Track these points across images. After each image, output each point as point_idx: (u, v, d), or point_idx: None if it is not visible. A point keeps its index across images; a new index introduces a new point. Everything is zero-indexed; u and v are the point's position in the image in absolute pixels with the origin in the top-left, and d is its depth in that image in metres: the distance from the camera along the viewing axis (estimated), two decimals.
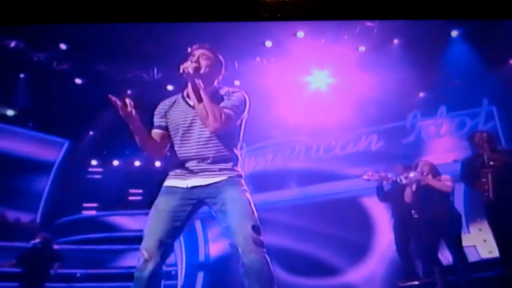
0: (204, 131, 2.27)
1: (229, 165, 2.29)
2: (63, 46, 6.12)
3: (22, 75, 6.72)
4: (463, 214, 5.42)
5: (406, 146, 6.60)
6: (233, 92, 2.36)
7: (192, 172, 2.26)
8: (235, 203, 2.21)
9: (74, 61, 6.45)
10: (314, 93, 6.64)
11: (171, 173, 2.33)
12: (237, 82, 6.10)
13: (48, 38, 5.98)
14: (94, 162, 8.52)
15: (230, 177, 2.26)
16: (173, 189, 2.29)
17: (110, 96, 2.16)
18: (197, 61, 2.31)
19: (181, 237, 6.04)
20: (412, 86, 6.61)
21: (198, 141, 2.28)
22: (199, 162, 2.27)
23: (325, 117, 6.50)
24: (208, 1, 2.65)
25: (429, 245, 4.37)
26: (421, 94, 6.98)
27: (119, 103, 2.17)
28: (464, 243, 4.38)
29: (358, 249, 6.04)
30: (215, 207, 2.24)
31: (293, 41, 5.80)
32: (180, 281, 6.55)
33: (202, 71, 2.29)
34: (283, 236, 5.86)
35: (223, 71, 2.42)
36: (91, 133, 8.07)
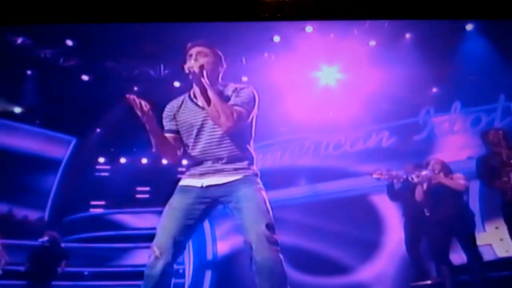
0: (215, 131, 2.29)
1: (244, 164, 2.31)
2: (69, 43, 6.21)
3: (29, 72, 6.83)
4: (479, 212, 5.41)
5: (419, 143, 6.58)
6: (241, 89, 2.36)
7: (207, 172, 2.29)
8: (250, 201, 2.23)
9: (81, 57, 6.54)
10: (323, 89, 6.64)
11: (187, 173, 2.36)
12: (244, 78, 6.13)
13: (55, 35, 6.06)
14: (101, 160, 8.63)
15: (245, 175, 2.29)
16: (188, 188, 2.31)
17: (128, 95, 2.19)
18: (196, 59, 2.32)
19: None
20: (425, 82, 6.56)
21: (211, 142, 2.31)
22: (214, 162, 2.30)
23: (335, 113, 6.49)
24: (207, 1, 2.67)
25: (440, 244, 4.38)
26: (434, 90, 6.93)
27: (137, 101, 2.20)
28: (480, 242, 4.38)
29: (369, 247, 6.06)
30: (230, 204, 2.27)
31: (302, 36, 5.80)
32: (188, 279, 6.63)
33: (204, 66, 2.29)
34: (292, 234, 5.90)
35: (224, 65, 2.43)
36: (98, 130, 8.18)
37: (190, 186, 2.31)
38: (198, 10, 2.70)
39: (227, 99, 2.32)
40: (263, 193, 2.28)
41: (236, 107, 2.27)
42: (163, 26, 5.11)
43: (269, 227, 2.16)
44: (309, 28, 5.78)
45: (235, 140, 2.29)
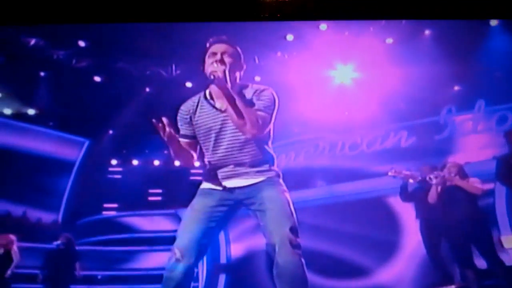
0: (237, 136, 2.33)
1: (266, 166, 2.35)
2: (81, 44, 6.41)
3: (42, 74, 7.09)
4: (507, 214, 5.40)
5: (440, 142, 6.58)
6: (261, 91, 2.37)
7: (230, 176, 2.34)
8: (274, 203, 2.26)
9: (93, 58, 6.75)
10: (338, 88, 6.69)
11: (207, 177, 2.40)
12: (257, 78, 6.22)
13: (67, 36, 6.26)
14: (114, 162, 8.86)
15: (268, 177, 2.33)
16: (210, 191, 2.36)
17: (154, 122, 2.22)
18: (222, 60, 2.31)
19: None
20: (446, 79, 6.57)
21: (233, 147, 2.34)
22: (235, 166, 2.34)
23: (350, 113, 6.54)
24: (207, 1, 2.77)
25: (462, 248, 4.44)
26: (456, 88, 6.93)
27: (166, 128, 2.23)
28: (508, 245, 4.38)
29: (387, 249, 6.11)
30: (253, 206, 2.31)
31: (316, 34, 5.86)
32: (202, 283, 6.77)
33: (228, 69, 2.29)
34: (308, 237, 5.99)
35: (244, 65, 2.45)
36: (110, 132, 8.40)
37: (212, 189, 2.35)
38: (198, 10, 2.79)
39: (249, 102, 2.33)
40: (287, 195, 2.31)
41: (260, 113, 2.29)
42: (174, 26, 5.27)
43: (293, 230, 2.19)
44: (323, 26, 5.83)
45: (257, 143, 2.33)
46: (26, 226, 7.89)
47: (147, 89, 7.25)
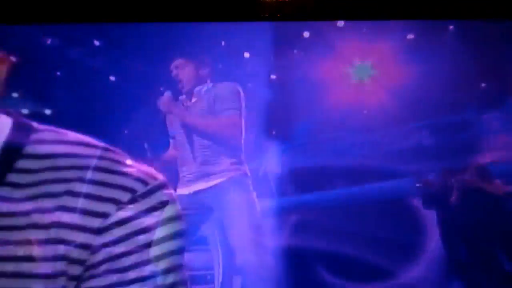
0: (200, 134, 2.44)
1: (228, 163, 2.38)
2: (97, 43, 6.65)
3: (58, 73, 7.33)
4: None
5: (465, 142, 6.55)
6: (219, 95, 2.38)
7: (193, 178, 2.34)
8: (235, 209, 2.25)
9: (108, 58, 6.97)
10: (356, 85, 6.72)
11: (175, 181, 2.49)
12: (273, 76, 6.35)
13: (83, 35, 6.51)
14: (129, 162, 9.05)
15: (230, 177, 2.35)
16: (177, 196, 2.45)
17: None
18: (176, 75, 2.38)
19: (217, 239, 6.39)
20: (472, 77, 6.55)
21: (200, 145, 2.41)
22: (200, 165, 2.34)
23: (369, 111, 6.61)
24: (205, 1, 2.88)
25: (486, 253, 4.46)
26: (483, 85, 6.90)
27: None
28: None
29: (409, 252, 6.13)
30: (217, 213, 2.37)
31: (333, 30, 5.94)
32: (217, 285, 6.89)
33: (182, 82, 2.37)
34: (327, 238, 6.06)
35: (204, 69, 2.54)
36: (125, 132, 8.60)
37: (179, 194, 2.40)
38: (195, 10, 2.90)
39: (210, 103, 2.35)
40: (251, 195, 2.37)
41: (225, 114, 2.30)
42: (187, 25, 5.42)
43: (256, 233, 2.21)
44: (340, 22, 5.92)
45: (222, 140, 2.33)
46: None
47: (161, 89, 7.42)
